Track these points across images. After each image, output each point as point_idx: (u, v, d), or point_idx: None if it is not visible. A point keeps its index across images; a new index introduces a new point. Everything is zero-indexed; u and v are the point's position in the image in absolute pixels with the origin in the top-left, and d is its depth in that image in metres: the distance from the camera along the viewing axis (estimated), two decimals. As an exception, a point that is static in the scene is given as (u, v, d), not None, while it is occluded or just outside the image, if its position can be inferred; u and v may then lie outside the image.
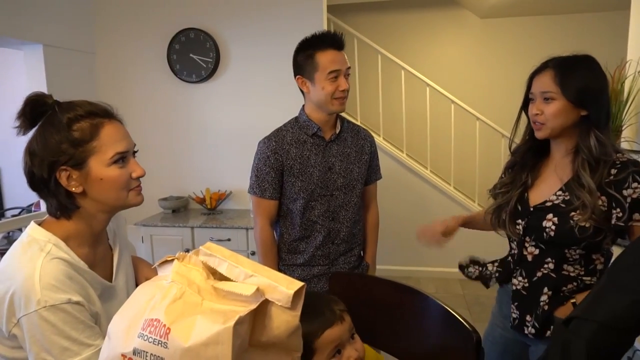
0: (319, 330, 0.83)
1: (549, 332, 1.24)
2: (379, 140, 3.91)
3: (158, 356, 0.61)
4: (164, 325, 0.62)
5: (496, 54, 4.66)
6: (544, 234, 1.23)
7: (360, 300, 1.16)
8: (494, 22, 4.63)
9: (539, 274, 1.27)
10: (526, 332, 1.28)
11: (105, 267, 1.05)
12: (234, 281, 0.66)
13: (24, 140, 0.96)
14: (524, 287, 1.30)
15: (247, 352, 0.62)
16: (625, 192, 1.14)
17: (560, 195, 1.23)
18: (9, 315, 0.87)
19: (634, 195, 1.13)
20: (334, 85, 1.55)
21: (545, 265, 1.26)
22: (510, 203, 1.33)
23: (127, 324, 0.67)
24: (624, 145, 2.15)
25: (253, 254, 2.72)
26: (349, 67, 1.60)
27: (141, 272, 1.19)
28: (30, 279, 0.86)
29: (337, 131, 1.67)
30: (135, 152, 1.03)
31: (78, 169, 0.93)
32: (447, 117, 4.07)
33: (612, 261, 0.85)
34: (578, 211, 1.17)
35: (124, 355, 0.65)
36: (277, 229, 1.78)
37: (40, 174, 0.92)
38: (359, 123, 3.09)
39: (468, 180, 4.20)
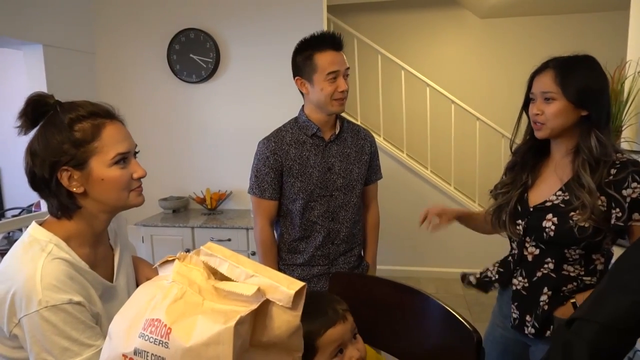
0: (321, 329, 0.84)
1: (548, 332, 1.24)
2: (379, 140, 3.91)
3: (159, 356, 0.61)
4: (165, 325, 0.62)
5: (496, 54, 4.66)
6: (544, 234, 1.23)
7: (361, 301, 1.16)
8: (494, 22, 4.63)
9: (539, 274, 1.27)
10: (526, 332, 1.28)
11: (106, 267, 1.05)
12: (235, 281, 0.66)
13: (24, 140, 0.96)
14: (524, 287, 1.30)
15: (248, 352, 0.62)
16: (624, 192, 1.14)
17: (560, 196, 1.23)
18: (10, 315, 0.87)
19: (634, 195, 1.13)
20: (333, 86, 1.55)
21: (545, 265, 1.26)
22: (510, 203, 1.33)
23: (128, 324, 0.67)
24: (624, 145, 2.15)
25: (253, 254, 2.72)
26: (348, 68, 1.60)
27: (142, 272, 1.19)
28: (32, 279, 0.86)
29: (337, 131, 1.67)
30: (137, 152, 1.03)
31: (79, 170, 0.93)
32: (448, 117, 4.07)
33: (613, 262, 0.85)
34: (577, 211, 1.17)
35: (124, 355, 0.65)
36: (278, 228, 1.78)
37: (42, 174, 0.92)
38: (359, 123, 3.09)
39: (468, 180, 4.21)
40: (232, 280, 0.67)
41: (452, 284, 3.88)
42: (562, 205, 1.21)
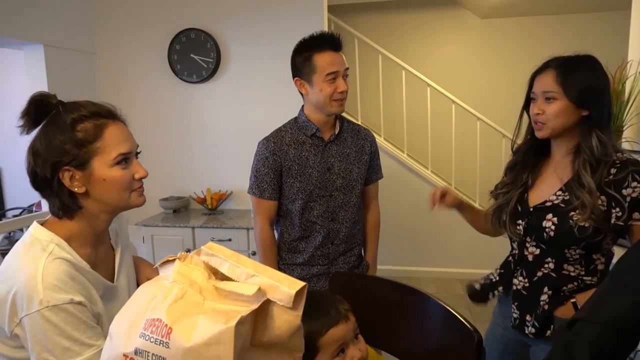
0: (323, 328, 0.84)
1: (549, 332, 1.24)
2: (379, 140, 3.91)
3: (160, 356, 0.61)
4: (166, 325, 0.62)
5: (497, 54, 4.66)
6: (544, 234, 1.23)
7: (361, 301, 1.16)
8: (495, 22, 4.63)
9: (540, 273, 1.27)
10: (526, 331, 1.28)
11: (107, 267, 1.05)
12: (236, 281, 0.66)
13: (25, 140, 0.97)
14: (525, 287, 1.30)
15: (248, 352, 0.62)
16: (624, 192, 1.14)
17: (560, 195, 1.23)
18: (11, 315, 0.87)
19: (634, 195, 1.13)
20: (332, 87, 1.55)
21: (546, 265, 1.26)
22: (510, 203, 1.33)
23: (128, 324, 0.67)
24: (625, 145, 2.15)
25: (254, 254, 2.72)
26: (347, 68, 1.60)
27: (142, 272, 1.19)
28: (33, 279, 0.86)
29: (336, 131, 1.67)
30: (138, 153, 1.03)
31: (81, 170, 0.93)
32: (448, 117, 4.07)
33: (614, 262, 0.85)
34: (577, 211, 1.17)
35: (125, 355, 0.65)
36: (278, 228, 1.78)
37: (44, 173, 0.92)
38: (359, 123, 3.09)
39: (469, 180, 4.21)
40: (233, 280, 0.67)
41: (453, 284, 3.88)
42: (562, 205, 1.21)
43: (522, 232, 1.29)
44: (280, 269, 1.71)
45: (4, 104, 3.80)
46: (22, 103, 0.94)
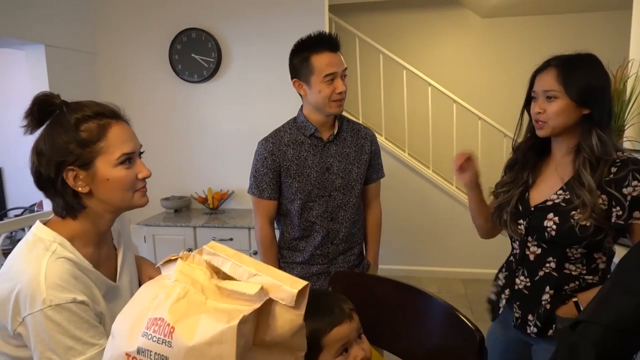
0: (327, 327, 0.84)
1: (551, 331, 1.24)
2: (380, 139, 3.90)
3: (162, 355, 0.61)
4: (168, 324, 0.62)
5: (498, 53, 4.66)
6: (545, 234, 1.23)
7: (362, 300, 1.16)
8: (496, 21, 4.63)
9: (541, 273, 1.27)
10: (528, 331, 1.28)
11: (110, 267, 1.06)
12: (238, 280, 0.66)
13: (26, 140, 0.97)
14: (526, 287, 1.30)
15: (251, 351, 0.62)
16: (625, 191, 1.14)
17: (560, 195, 1.23)
18: (14, 314, 0.87)
19: (634, 194, 1.13)
20: (330, 88, 1.54)
21: (547, 265, 1.26)
22: (511, 202, 1.33)
23: (131, 323, 0.68)
24: (627, 144, 2.15)
25: (255, 253, 2.72)
26: (346, 68, 1.59)
27: (144, 271, 1.20)
28: (36, 278, 0.86)
29: (335, 131, 1.67)
30: (142, 153, 1.03)
31: (85, 169, 0.93)
32: (449, 116, 4.07)
33: (616, 263, 0.85)
34: (578, 210, 1.17)
35: (128, 354, 0.65)
36: (279, 226, 1.78)
37: (48, 173, 0.92)
38: (360, 122, 3.09)
39: (470, 179, 4.20)
40: (235, 279, 0.67)
41: (454, 283, 3.88)
42: (563, 205, 1.21)
43: (523, 232, 1.29)
44: (280, 267, 1.72)
45: (4, 103, 3.81)
46: (23, 103, 0.94)
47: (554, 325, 1.23)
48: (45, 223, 0.97)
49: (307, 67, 1.55)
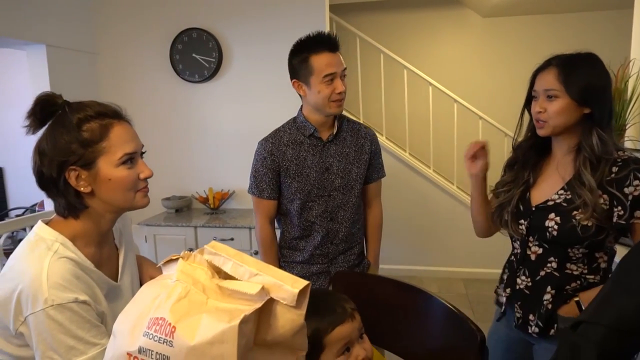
0: (329, 326, 0.84)
1: (552, 331, 1.24)
2: (381, 139, 3.90)
3: (163, 355, 0.62)
4: (169, 324, 0.62)
5: (499, 52, 4.65)
6: (547, 234, 1.22)
7: (363, 300, 1.16)
8: (497, 21, 4.62)
9: (542, 273, 1.27)
10: (530, 331, 1.28)
11: (111, 266, 1.06)
12: (239, 280, 0.66)
13: (27, 140, 0.97)
14: (527, 287, 1.30)
15: (252, 350, 0.62)
16: (626, 190, 1.14)
17: (562, 195, 1.23)
18: (16, 313, 0.88)
19: (635, 193, 1.13)
20: (330, 89, 1.54)
21: (549, 264, 1.26)
22: (512, 202, 1.32)
23: (132, 323, 0.68)
24: (628, 144, 2.14)
25: (256, 253, 2.72)
26: (345, 68, 1.59)
27: (146, 271, 1.20)
28: (38, 277, 0.87)
29: (335, 131, 1.66)
30: (143, 153, 1.03)
31: (87, 169, 0.93)
32: (450, 116, 4.07)
33: (617, 263, 0.85)
34: (580, 210, 1.17)
35: (129, 354, 0.65)
36: (280, 226, 1.78)
37: (50, 173, 0.93)
38: (361, 122, 3.09)
39: (471, 179, 4.20)
40: (236, 279, 0.67)
41: (455, 283, 3.88)
42: (565, 204, 1.21)
43: (524, 232, 1.29)
44: (281, 267, 1.72)
45: (5, 103, 3.82)
46: (23, 103, 0.94)
47: (555, 325, 1.23)
48: (47, 223, 0.97)
49: (306, 68, 1.55)
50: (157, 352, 0.62)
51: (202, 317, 0.61)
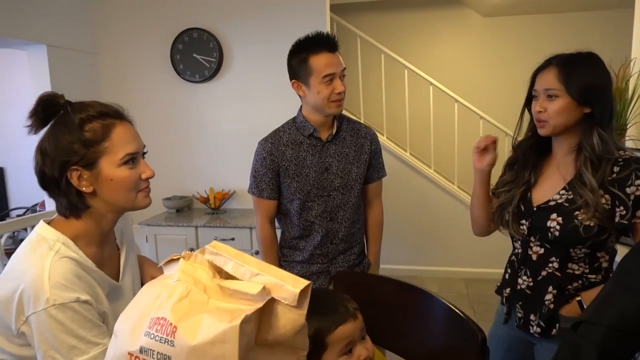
0: (332, 325, 0.84)
1: (554, 331, 1.24)
2: (382, 139, 3.90)
3: (165, 354, 0.62)
4: (171, 324, 0.62)
5: (499, 52, 4.65)
6: (549, 234, 1.22)
7: (364, 299, 1.16)
8: (497, 20, 4.62)
9: (544, 273, 1.27)
10: (531, 331, 1.28)
11: (113, 266, 1.06)
12: (240, 280, 0.67)
13: (28, 140, 0.97)
14: (529, 287, 1.30)
15: (253, 350, 0.62)
16: (628, 190, 1.14)
17: (563, 195, 1.23)
18: (17, 313, 0.88)
19: (637, 193, 1.13)
20: (329, 89, 1.54)
21: (550, 264, 1.25)
22: (513, 202, 1.32)
23: (133, 323, 0.68)
24: (629, 143, 2.14)
25: (257, 253, 2.72)
26: (344, 68, 1.59)
27: (147, 271, 1.20)
28: (40, 277, 0.87)
29: (334, 131, 1.66)
30: (145, 153, 1.04)
31: (89, 169, 0.93)
32: (451, 115, 4.07)
33: (618, 263, 0.85)
34: (582, 210, 1.17)
35: (130, 354, 0.65)
36: (280, 225, 1.79)
37: (52, 173, 0.93)
38: (361, 121, 3.09)
39: (471, 179, 4.18)
40: (237, 279, 0.67)
41: (455, 283, 3.88)
42: (566, 205, 1.21)
43: (525, 232, 1.29)
44: (281, 266, 1.72)
45: (6, 103, 3.82)
46: (24, 103, 0.94)
47: (557, 325, 1.23)
48: (48, 223, 0.98)
49: (305, 68, 1.54)
50: (158, 352, 0.62)
51: (204, 317, 0.61)
